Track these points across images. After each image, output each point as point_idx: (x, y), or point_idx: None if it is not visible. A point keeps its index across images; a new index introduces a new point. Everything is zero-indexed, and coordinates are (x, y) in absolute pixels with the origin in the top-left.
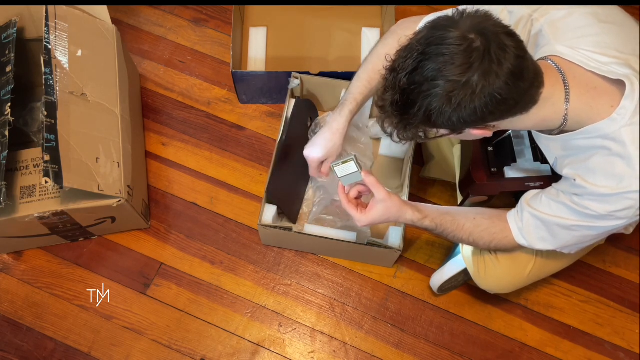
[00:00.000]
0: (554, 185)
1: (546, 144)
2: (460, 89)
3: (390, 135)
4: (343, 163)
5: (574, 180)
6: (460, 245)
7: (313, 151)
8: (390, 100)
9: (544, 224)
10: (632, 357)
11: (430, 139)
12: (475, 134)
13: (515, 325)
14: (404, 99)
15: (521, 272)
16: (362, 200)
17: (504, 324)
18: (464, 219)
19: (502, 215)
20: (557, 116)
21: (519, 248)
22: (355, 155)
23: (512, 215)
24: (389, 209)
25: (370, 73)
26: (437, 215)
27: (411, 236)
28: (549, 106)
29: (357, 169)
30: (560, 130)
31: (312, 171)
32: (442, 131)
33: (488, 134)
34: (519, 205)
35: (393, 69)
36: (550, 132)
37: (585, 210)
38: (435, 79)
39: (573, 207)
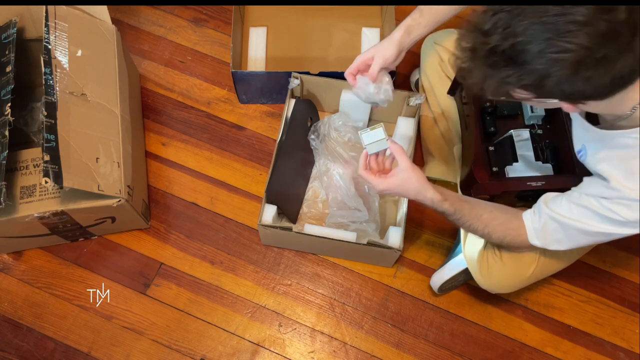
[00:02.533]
0: (575, 188)
1: (580, 130)
2: (593, 61)
3: (461, 78)
4: (371, 129)
5: (607, 181)
6: (462, 244)
7: (362, 53)
8: (492, 46)
9: (562, 227)
10: (632, 357)
11: (500, 99)
12: (565, 107)
13: (515, 325)
14: (515, 51)
15: (524, 272)
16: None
17: (504, 324)
18: (481, 210)
19: (517, 213)
20: (628, 105)
21: (529, 248)
22: (382, 123)
23: (528, 215)
24: (410, 180)
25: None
26: (456, 200)
27: (411, 236)
28: (629, 92)
29: (384, 136)
30: (611, 125)
31: (347, 71)
32: (524, 94)
33: (575, 110)
34: (536, 206)
35: (501, 9)
36: (599, 122)
37: (612, 215)
38: (569, 41)
39: (599, 211)
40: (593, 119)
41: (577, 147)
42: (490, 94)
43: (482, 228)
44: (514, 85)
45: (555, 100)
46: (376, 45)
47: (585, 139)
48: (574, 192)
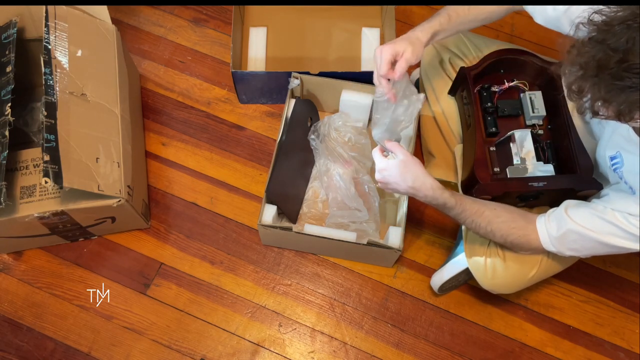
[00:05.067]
0: (599, 200)
1: (620, 138)
2: None
3: (572, 98)
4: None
5: (632, 189)
6: (464, 244)
7: (383, 47)
8: (628, 65)
9: (582, 238)
10: (632, 357)
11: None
12: None
13: (515, 325)
14: None
15: (527, 274)
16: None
17: (504, 324)
18: (484, 207)
19: (526, 215)
20: None
21: (535, 250)
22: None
23: (542, 221)
24: (409, 166)
25: (460, 12)
26: (457, 194)
27: (411, 236)
28: None
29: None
30: None
31: (376, 73)
32: None
33: None
34: (554, 213)
35: (633, 22)
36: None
37: (638, 233)
38: None
39: (625, 227)
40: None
41: (609, 151)
42: (613, 113)
43: (484, 225)
44: None
45: None
46: (407, 41)
47: (623, 147)
48: (598, 204)
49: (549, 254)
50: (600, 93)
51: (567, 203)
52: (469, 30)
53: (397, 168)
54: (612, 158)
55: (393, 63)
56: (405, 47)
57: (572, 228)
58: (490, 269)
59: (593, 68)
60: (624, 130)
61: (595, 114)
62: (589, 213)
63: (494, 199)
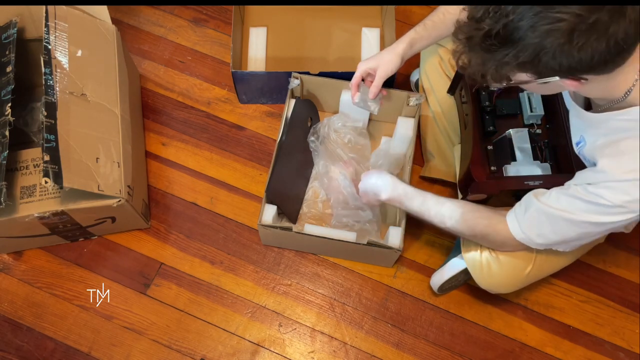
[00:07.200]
0: (566, 183)
1: (577, 120)
2: (586, 27)
3: (462, 69)
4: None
5: (595, 165)
6: (462, 245)
7: (364, 61)
8: (486, 31)
9: (548, 219)
10: (632, 357)
11: (502, 86)
12: (568, 84)
13: (515, 325)
14: (508, 30)
15: (521, 272)
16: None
17: (504, 324)
18: (447, 199)
19: (494, 208)
20: (622, 87)
21: (511, 241)
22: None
23: (511, 210)
24: (369, 173)
25: (436, 20)
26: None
27: (411, 236)
28: (624, 73)
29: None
30: (607, 108)
31: (352, 82)
32: (525, 76)
33: (579, 86)
34: (523, 198)
35: None
36: (597, 107)
37: (598, 200)
38: (559, 11)
39: (584, 197)
40: (587, 108)
41: (575, 138)
42: (492, 79)
43: (449, 214)
44: (511, 65)
45: (557, 78)
46: (379, 57)
47: (582, 129)
48: (565, 184)
49: (541, 251)
50: (477, 60)
51: (537, 190)
52: (449, 34)
53: (364, 176)
54: (577, 144)
55: (368, 75)
56: (379, 64)
57: (538, 207)
58: (485, 266)
59: (465, 40)
60: (575, 109)
61: (482, 79)
62: (555, 192)
63: (490, 197)
